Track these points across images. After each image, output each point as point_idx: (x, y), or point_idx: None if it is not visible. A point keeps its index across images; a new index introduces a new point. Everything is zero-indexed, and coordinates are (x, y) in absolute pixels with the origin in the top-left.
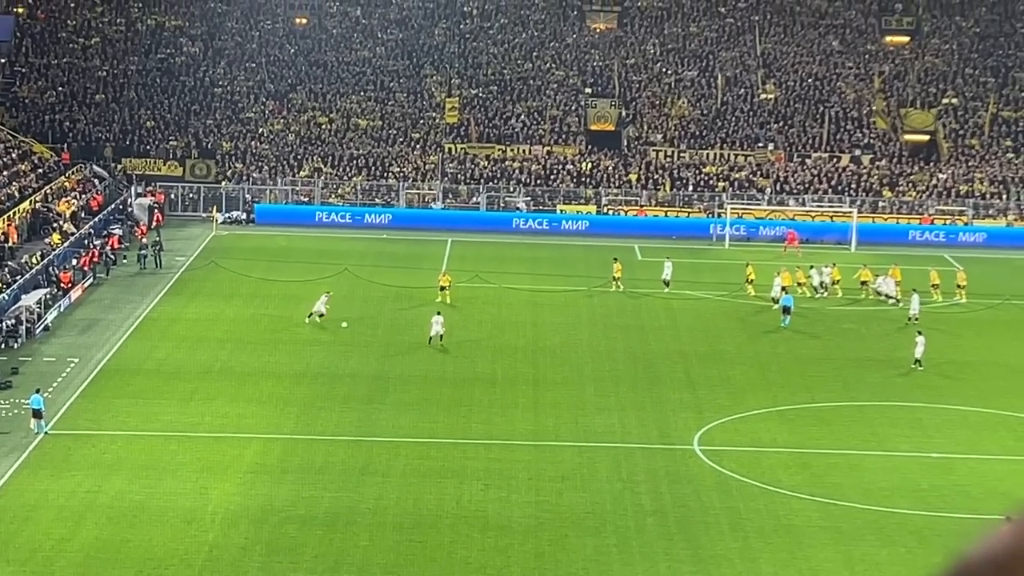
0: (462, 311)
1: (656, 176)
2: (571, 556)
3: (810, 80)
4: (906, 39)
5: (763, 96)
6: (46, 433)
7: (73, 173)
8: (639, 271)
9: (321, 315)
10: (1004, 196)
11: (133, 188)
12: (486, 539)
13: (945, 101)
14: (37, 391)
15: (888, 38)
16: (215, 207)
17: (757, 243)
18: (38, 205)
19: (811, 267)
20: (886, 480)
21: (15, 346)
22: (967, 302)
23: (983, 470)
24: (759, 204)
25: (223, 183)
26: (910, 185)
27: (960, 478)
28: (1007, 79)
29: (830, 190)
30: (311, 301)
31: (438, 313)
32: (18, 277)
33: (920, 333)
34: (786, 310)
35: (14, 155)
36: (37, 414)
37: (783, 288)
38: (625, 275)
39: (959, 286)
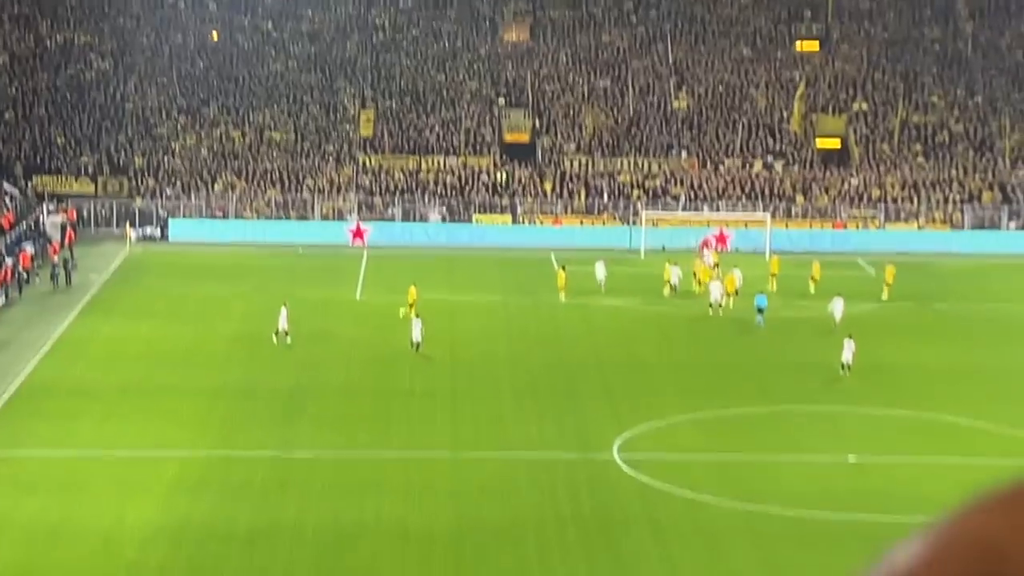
0: (379, 325)
1: (571, 185)
2: (492, 567)
3: (722, 88)
4: (816, 46)
5: (676, 104)
6: None
7: None
8: (554, 280)
9: (286, 331)
10: (915, 200)
11: (44, 206)
12: (407, 552)
13: (855, 107)
14: None
15: (798, 44)
16: (128, 223)
17: (674, 251)
18: None
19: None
20: (805, 485)
21: None
22: (888, 301)
23: (900, 473)
24: (674, 212)
25: (136, 199)
26: (823, 190)
27: (878, 482)
28: (916, 84)
29: (744, 197)
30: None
31: (416, 316)
32: None
33: (850, 337)
34: (760, 310)
35: None
36: None
37: (731, 292)
38: (541, 284)
39: (887, 284)
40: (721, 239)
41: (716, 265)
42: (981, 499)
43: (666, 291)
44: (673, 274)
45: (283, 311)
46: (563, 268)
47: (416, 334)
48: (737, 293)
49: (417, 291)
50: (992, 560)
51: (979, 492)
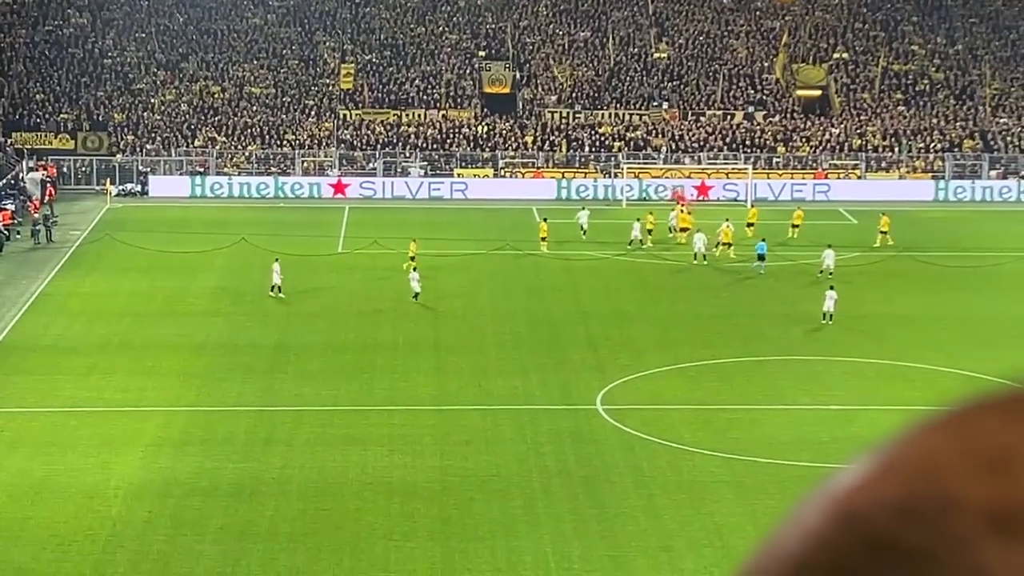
0: (362, 278)
1: (552, 138)
2: (477, 519)
3: (702, 38)
4: None
5: (656, 55)
6: None
7: None
8: (536, 233)
9: (278, 287)
10: (896, 149)
11: (24, 162)
12: (392, 505)
13: (836, 56)
14: None
15: None
16: (108, 180)
17: (654, 203)
18: None
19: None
20: (787, 434)
21: None
22: (885, 248)
23: (881, 421)
24: (655, 163)
25: (116, 155)
26: (804, 140)
27: (859, 429)
28: (896, 32)
29: (725, 147)
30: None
31: (414, 269)
32: None
33: (832, 288)
34: (760, 257)
35: None
36: None
37: (723, 243)
38: (523, 237)
39: (883, 232)
40: (702, 190)
41: (689, 214)
42: (926, 420)
43: (647, 244)
44: (634, 229)
45: (275, 266)
46: (544, 220)
47: (415, 285)
48: (731, 244)
49: (417, 245)
50: (930, 478)
51: (925, 414)
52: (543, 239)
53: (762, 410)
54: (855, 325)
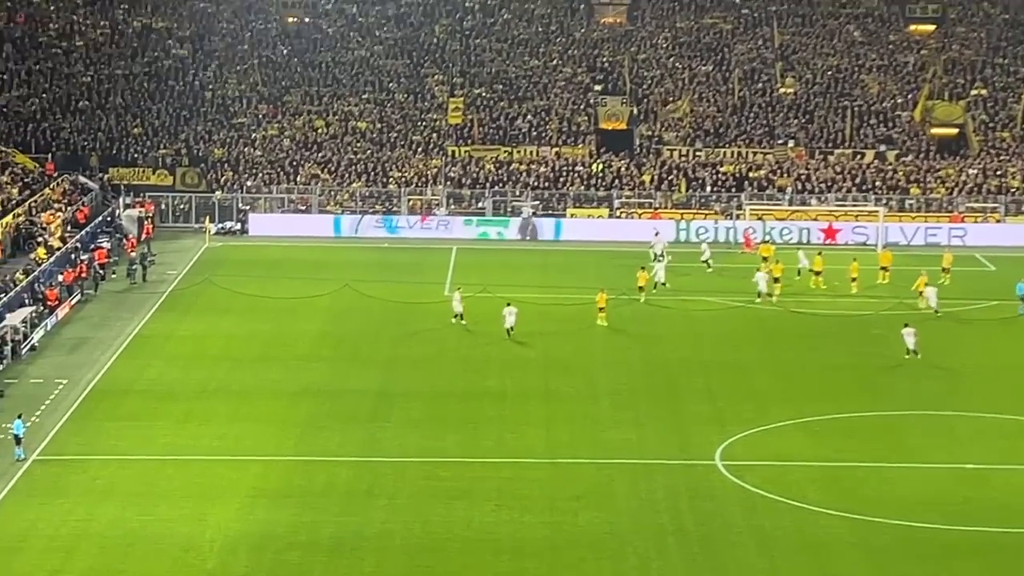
0: (469, 321)
1: (671, 177)
2: None
3: (831, 73)
4: (931, 28)
5: (782, 90)
6: (20, 459)
7: (58, 184)
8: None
9: (460, 314)
10: None
11: (121, 199)
12: (499, 563)
13: (974, 92)
14: (19, 416)
15: (912, 27)
16: (207, 217)
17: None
18: (21, 219)
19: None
20: (918, 493)
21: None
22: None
23: (1020, 482)
24: (780, 204)
25: (216, 192)
26: (939, 181)
27: (996, 490)
28: None
29: (854, 188)
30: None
31: (508, 304)
32: (2, 295)
33: (907, 325)
34: (1023, 299)
35: None
36: (18, 440)
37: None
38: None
39: (944, 269)
40: (830, 233)
41: (765, 259)
42: None
43: (776, 294)
44: (759, 281)
45: (456, 295)
46: (643, 268)
47: (511, 319)
48: (778, 280)
49: (606, 296)
50: None
51: None
52: (640, 288)
53: (891, 468)
54: (993, 378)
